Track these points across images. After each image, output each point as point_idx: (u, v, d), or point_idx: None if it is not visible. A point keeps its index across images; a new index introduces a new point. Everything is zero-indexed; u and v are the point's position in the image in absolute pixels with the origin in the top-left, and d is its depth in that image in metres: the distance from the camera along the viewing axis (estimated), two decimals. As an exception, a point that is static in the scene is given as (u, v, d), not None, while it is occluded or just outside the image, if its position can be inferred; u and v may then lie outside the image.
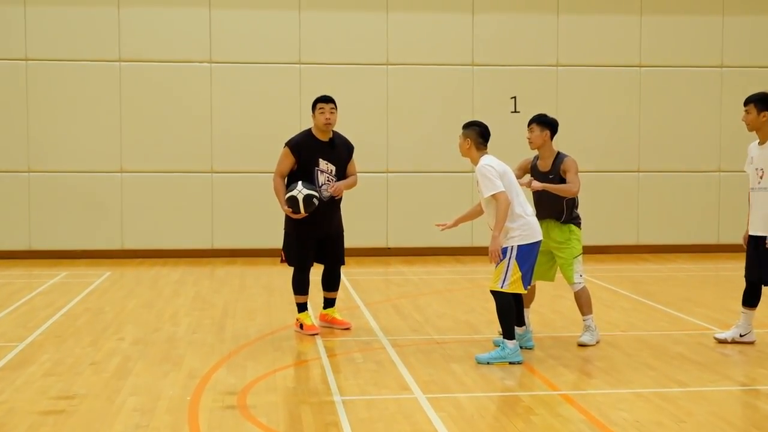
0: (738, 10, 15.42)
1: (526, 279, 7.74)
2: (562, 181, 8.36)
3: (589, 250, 14.98)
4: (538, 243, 7.79)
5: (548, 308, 10.17)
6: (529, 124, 8.53)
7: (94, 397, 6.73)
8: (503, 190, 7.61)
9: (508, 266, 7.64)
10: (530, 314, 8.91)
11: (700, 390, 6.94)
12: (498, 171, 7.70)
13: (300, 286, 9.03)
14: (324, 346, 8.39)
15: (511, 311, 7.73)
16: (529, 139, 8.50)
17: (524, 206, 7.78)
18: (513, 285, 7.66)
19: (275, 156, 14.64)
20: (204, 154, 14.68)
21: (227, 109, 14.72)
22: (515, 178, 7.92)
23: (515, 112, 14.79)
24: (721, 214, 15.31)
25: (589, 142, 14.98)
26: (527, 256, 7.70)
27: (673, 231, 15.49)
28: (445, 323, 9.50)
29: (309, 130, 9.10)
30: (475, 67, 15.09)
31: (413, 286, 12.03)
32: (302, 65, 14.80)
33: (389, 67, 14.96)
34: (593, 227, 15.33)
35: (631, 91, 15.31)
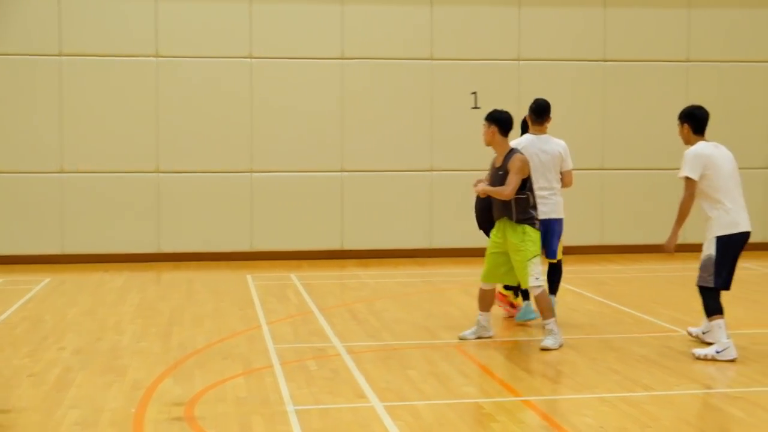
0: (704, 3, 15.59)
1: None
2: None
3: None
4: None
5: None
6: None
7: (32, 411, 6.67)
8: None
9: None
10: (491, 318, 8.97)
11: (666, 394, 7.02)
12: None
13: None
14: (276, 353, 8.38)
15: None
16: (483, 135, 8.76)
17: (536, 186, 8.90)
18: None
19: (224, 154, 14.77)
20: (149, 153, 14.58)
21: (174, 106, 14.63)
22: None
23: (476, 108, 14.85)
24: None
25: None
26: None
27: (638, 230, 15.62)
28: (403, 328, 9.52)
29: None
30: (433, 62, 15.13)
31: (369, 290, 12.04)
32: (253, 59, 14.76)
33: (344, 61, 14.96)
34: (572, 228, 15.41)
35: (594, 86, 15.43)
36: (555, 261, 9.51)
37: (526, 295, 9.63)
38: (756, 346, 8.53)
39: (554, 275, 9.60)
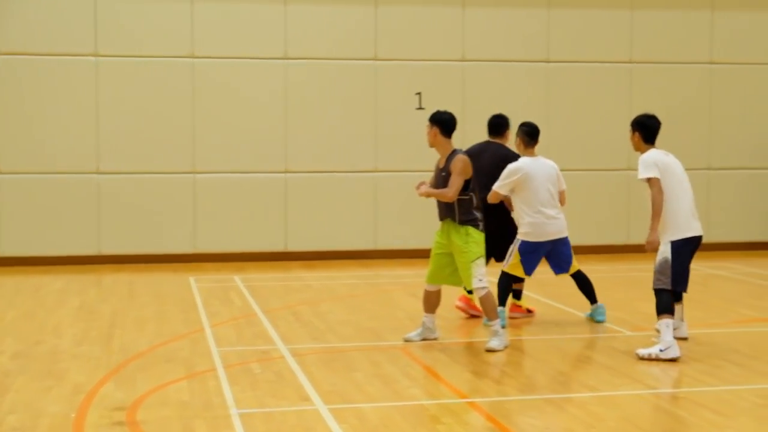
0: (647, 4, 15.77)
1: (527, 267, 9.34)
2: None
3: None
4: (542, 243, 9.31)
5: (456, 313, 10.24)
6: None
7: (-31, 416, 6.57)
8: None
9: (512, 250, 9.34)
10: (436, 320, 8.98)
11: (611, 394, 7.09)
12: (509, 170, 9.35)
13: None
14: (220, 356, 8.33)
15: (504, 286, 9.35)
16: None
17: (543, 206, 9.23)
18: (512, 267, 9.33)
19: (166, 156, 14.65)
20: (89, 153, 14.41)
21: (115, 106, 14.47)
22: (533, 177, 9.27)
23: (420, 108, 14.88)
24: (631, 214, 15.61)
25: (497, 139, 15.12)
26: (529, 249, 9.30)
27: (582, 231, 15.72)
28: (348, 330, 9.51)
29: None
30: (378, 62, 15.14)
31: (314, 292, 12.02)
32: (195, 59, 14.65)
33: (288, 61, 14.91)
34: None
35: (538, 87, 15.53)
36: (573, 272, 9.77)
37: (517, 295, 10.01)
38: (699, 347, 8.64)
39: (582, 285, 9.88)
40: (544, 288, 12.06)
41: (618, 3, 15.68)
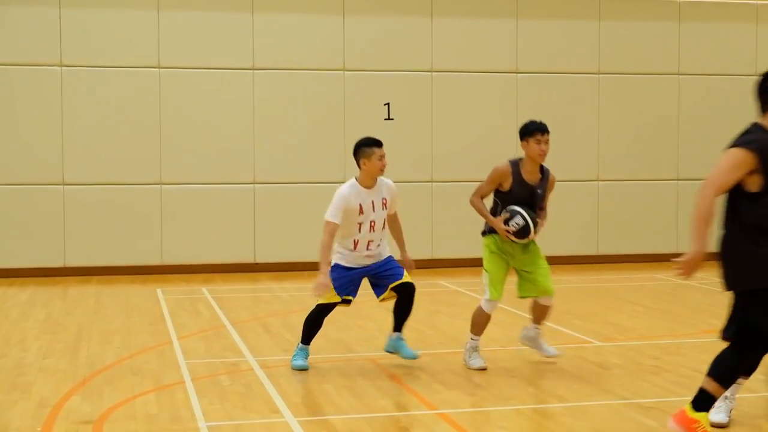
0: (614, 15, 15.89)
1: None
2: None
3: (469, 263, 15.21)
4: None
5: (425, 324, 10.27)
6: None
7: (-68, 431, 6.51)
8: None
9: None
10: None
11: (580, 405, 7.12)
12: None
13: None
14: (188, 368, 8.30)
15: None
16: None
17: None
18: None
19: (131, 167, 14.60)
20: (54, 164, 14.34)
21: (80, 116, 14.42)
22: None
23: (389, 119, 14.92)
24: (601, 224, 15.70)
25: (465, 150, 15.19)
26: None
27: (553, 241, 15.75)
28: (317, 342, 9.45)
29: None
30: (346, 73, 15.17)
31: (283, 304, 12.00)
32: (162, 69, 14.62)
33: (255, 72, 14.91)
34: (472, 239, 15.51)
35: (507, 98, 15.61)
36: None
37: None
38: (668, 356, 8.71)
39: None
40: (514, 299, 12.10)
41: (586, 14, 15.81)
